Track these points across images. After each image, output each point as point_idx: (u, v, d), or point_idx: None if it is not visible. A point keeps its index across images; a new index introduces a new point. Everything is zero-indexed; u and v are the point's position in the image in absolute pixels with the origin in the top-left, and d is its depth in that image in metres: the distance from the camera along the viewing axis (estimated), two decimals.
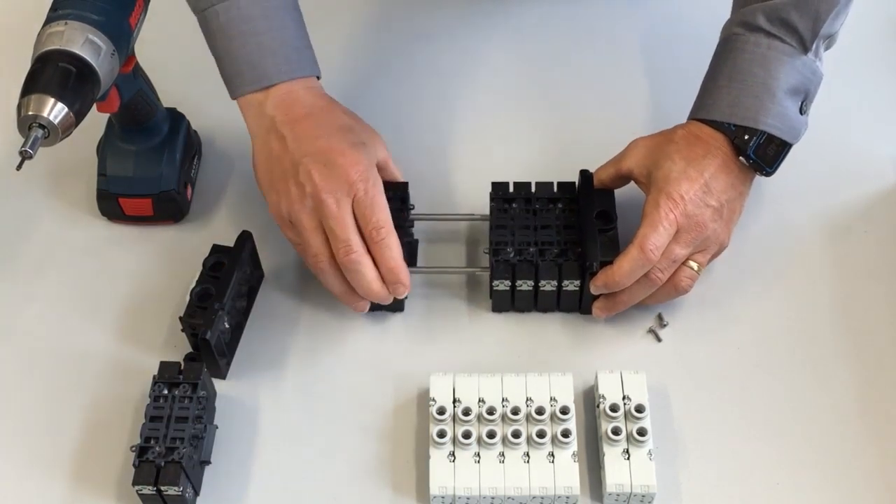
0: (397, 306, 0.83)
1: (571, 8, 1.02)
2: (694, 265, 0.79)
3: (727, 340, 0.82)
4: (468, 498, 0.74)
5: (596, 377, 0.78)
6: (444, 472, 0.74)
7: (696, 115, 0.81)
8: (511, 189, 0.82)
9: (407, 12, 1.02)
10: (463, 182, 0.90)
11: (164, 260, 0.87)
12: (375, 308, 0.82)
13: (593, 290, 0.79)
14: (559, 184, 0.84)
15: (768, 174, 0.80)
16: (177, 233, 0.88)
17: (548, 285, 0.80)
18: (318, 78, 0.83)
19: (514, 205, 0.82)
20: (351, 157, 0.77)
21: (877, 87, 0.96)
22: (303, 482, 0.76)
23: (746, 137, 0.78)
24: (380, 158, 0.81)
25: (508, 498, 0.74)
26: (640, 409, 0.76)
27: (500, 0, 1.03)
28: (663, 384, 0.79)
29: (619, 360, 0.80)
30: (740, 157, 0.79)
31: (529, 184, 0.83)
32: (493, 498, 0.74)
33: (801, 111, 0.80)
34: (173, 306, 0.83)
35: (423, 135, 0.94)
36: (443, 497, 0.74)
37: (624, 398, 0.77)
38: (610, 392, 0.77)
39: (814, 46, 0.79)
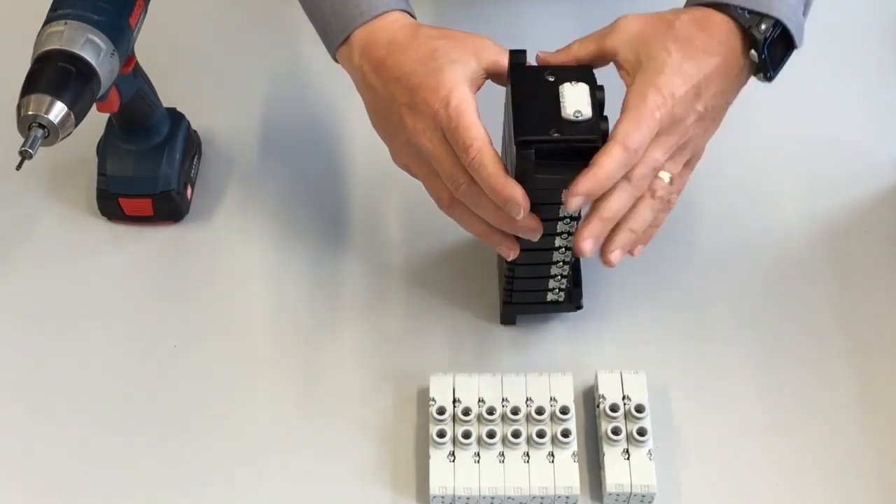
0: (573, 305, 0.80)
1: (574, 5, 1.02)
2: (666, 176, 0.72)
3: (727, 341, 0.82)
4: (468, 498, 0.74)
5: (596, 377, 0.78)
6: (444, 472, 0.74)
7: (700, 0, 0.72)
8: None
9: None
10: None
11: (164, 260, 0.86)
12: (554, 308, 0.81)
13: (572, 203, 0.68)
14: None
15: (770, 78, 0.73)
16: (177, 233, 0.88)
17: None
18: (409, 13, 0.76)
19: None
20: (430, 86, 0.69)
21: (877, 87, 0.96)
22: (303, 482, 0.76)
23: (763, 27, 0.70)
24: (485, 64, 0.72)
25: (508, 498, 0.74)
26: (640, 409, 0.76)
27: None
28: (663, 384, 0.79)
29: (619, 360, 0.80)
30: (751, 52, 0.71)
31: None
32: (493, 498, 0.74)
33: (804, 13, 0.74)
34: (173, 305, 0.83)
35: None
36: (443, 497, 0.74)
37: (624, 398, 0.76)
38: (610, 392, 0.77)
39: None
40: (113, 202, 0.87)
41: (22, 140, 0.71)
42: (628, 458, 0.74)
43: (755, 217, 0.88)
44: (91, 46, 0.73)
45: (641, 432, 0.74)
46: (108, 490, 0.76)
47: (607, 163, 0.67)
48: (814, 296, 0.84)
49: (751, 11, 0.71)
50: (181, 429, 0.78)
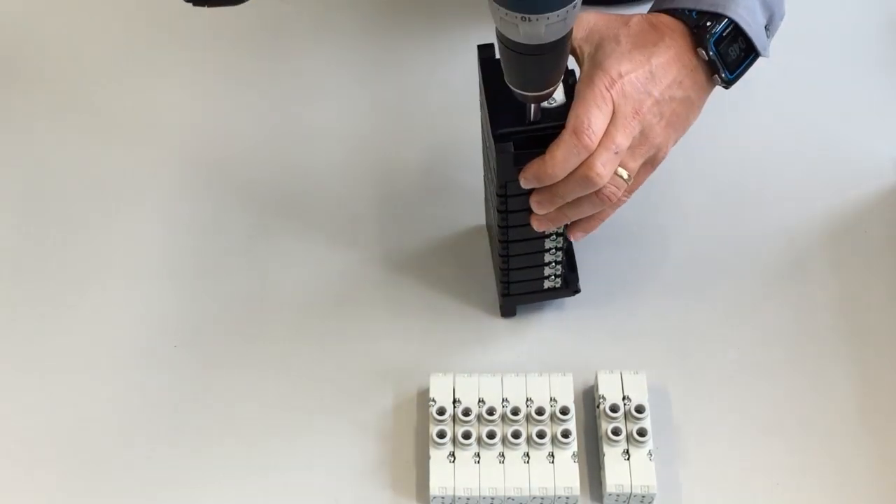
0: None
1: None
2: (623, 172, 0.70)
3: (727, 340, 0.82)
4: (468, 498, 0.74)
5: (596, 377, 0.78)
6: (444, 473, 0.74)
7: (657, 7, 0.73)
8: None
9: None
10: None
11: (156, 247, 0.86)
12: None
13: (523, 182, 0.70)
14: None
15: (727, 81, 0.72)
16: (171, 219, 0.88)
17: None
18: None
19: None
20: None
21: (877, 87, 0.95)
22: (303, 482, 0.76)
23: (709, 24, 0.70)
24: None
25: (508, 498, 0.74)
26: (640, 409, 0.75)
27: None
28: (663, 384, 0.79)
29: (619, 360, 0.80)
30: (699, 50, 0.71)
31: None
32: (493, 498, 0.74)
33: (766, 34, 0.74)
34: (171, 305, 0.83)
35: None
36: (443, 497, 0.74)
37: (624, 398, 0.76)
38: (610, 392, 0.77)
39: None
40: None
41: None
42: (628, 459, 0.74)
43: (755, 217, 0.87)
44: None
45: (641, 433, 0.74)
46: (105, 490, 0.76)
47: (557, 151, 0.68)
48: (814, 296, 0.84)
49: (699, 12, 0.71)
50: (179, 429, 0.78)
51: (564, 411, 0.76)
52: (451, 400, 0.77)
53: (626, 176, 0.71)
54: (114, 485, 0.76)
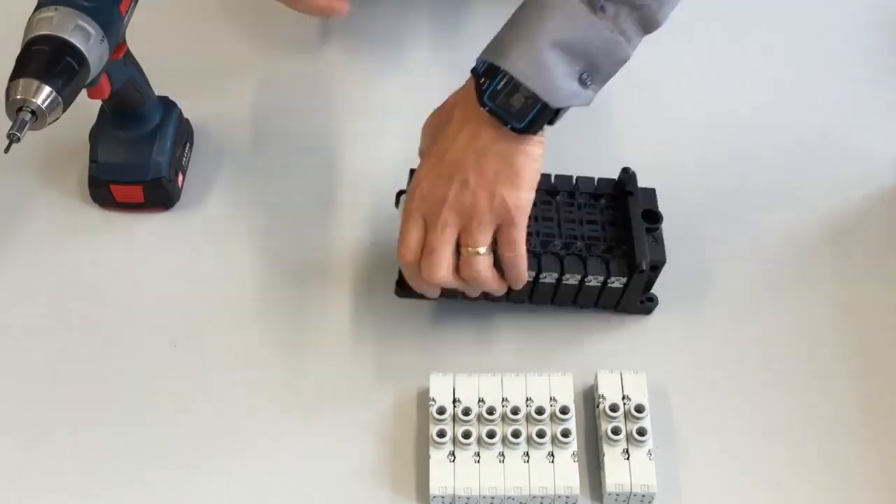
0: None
1: None
2: (480, 249, 0.73)
3: (727, 340, 0.82)
4: (468, 498, 0.73)
5: (596, 377, 0.78)
6: (444, 472, 0.73)
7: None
8: (553, 181, 0.81)
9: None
10: None
11: (155, 248, 0.86)
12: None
13: (429, 294, 0.77)
14: (599, 180, 0.82)
15: (517, 130, 0.70)
16: (167, 220, 0.87)
17: (593, 280, 0.78)
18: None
19: (557, 198, 0.81)
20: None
21: (877, 87, 0.96)
22: (303, 482, 0.75)
23: (483, 81, 0.70)
24: None
25: (508, 498, 0.73)
26: (639, 409, 0.75)
27: None
28: (663, 384, 0.79)
29: (619, 360, 0.80)
30: (480, 105, 0.71)
31: (571, 177, 0.82)
32: (492, 498, 0.73)
33: (582, 81, 0.71)
34: (164, 294, 0.82)
35: None
36: (443, 497, 0.73)
37: (624, 398, 0.76)
38: (610, 392, 0.76)
39: (607, 11, 0.70)
40: (104, 189, 0.86)
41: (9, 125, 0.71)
42: (628, 458, 0.74)
43: (755, 217, 0.87)
44: (81, 32, 0.73)
45: (641, 432, 0.74)
46: (104, 490, 0.75)
47: (403, 267, 0.75)
48: (814, 296, 0.84)
49: (489, 65, 0.71)
50: (179, 429, 0.77)
51: (564, 411, 0.75)
52: (451, 399, 0.76)
53: (482, 251, 0.73)
54: (113, 485, 0.75)
